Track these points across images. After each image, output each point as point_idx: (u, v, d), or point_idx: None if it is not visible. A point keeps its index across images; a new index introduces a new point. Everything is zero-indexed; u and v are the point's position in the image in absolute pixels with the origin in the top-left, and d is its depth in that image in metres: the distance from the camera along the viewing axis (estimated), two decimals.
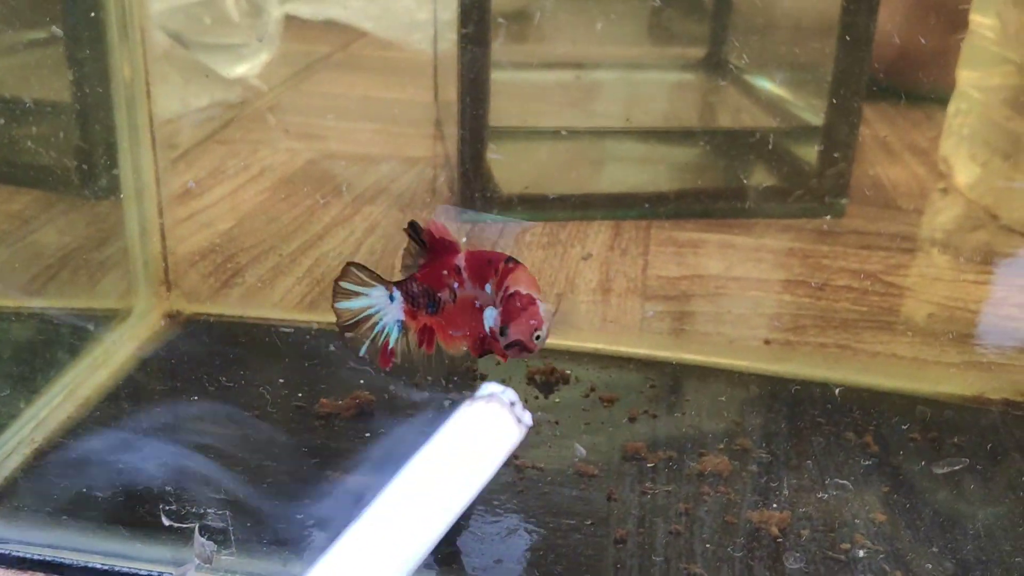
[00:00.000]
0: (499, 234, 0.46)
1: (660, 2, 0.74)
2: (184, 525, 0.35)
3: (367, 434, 0.46)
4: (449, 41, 0.74)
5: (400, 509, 0.23)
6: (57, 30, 0.44)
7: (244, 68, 0.80)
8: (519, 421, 0.24)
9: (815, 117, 0.68)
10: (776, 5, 0.70)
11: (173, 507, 0.38)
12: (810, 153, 0.68)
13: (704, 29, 0.78)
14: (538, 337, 0.34)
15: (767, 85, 0.71)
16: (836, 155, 0.66)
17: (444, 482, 0.23)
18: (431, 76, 0.82)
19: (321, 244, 0.62)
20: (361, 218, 0.66)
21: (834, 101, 0.66)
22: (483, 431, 0.23)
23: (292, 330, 0.53)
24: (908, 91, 0.63)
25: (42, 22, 0.46)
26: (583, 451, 0.43)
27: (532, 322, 0.34)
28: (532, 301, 0.34)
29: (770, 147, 0.68)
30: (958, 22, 0.61)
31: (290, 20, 0.84)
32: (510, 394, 0.24)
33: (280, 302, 0.56)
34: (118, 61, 0.47)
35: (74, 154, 0.49)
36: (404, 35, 0.85)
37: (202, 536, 0.35)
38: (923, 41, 0.55)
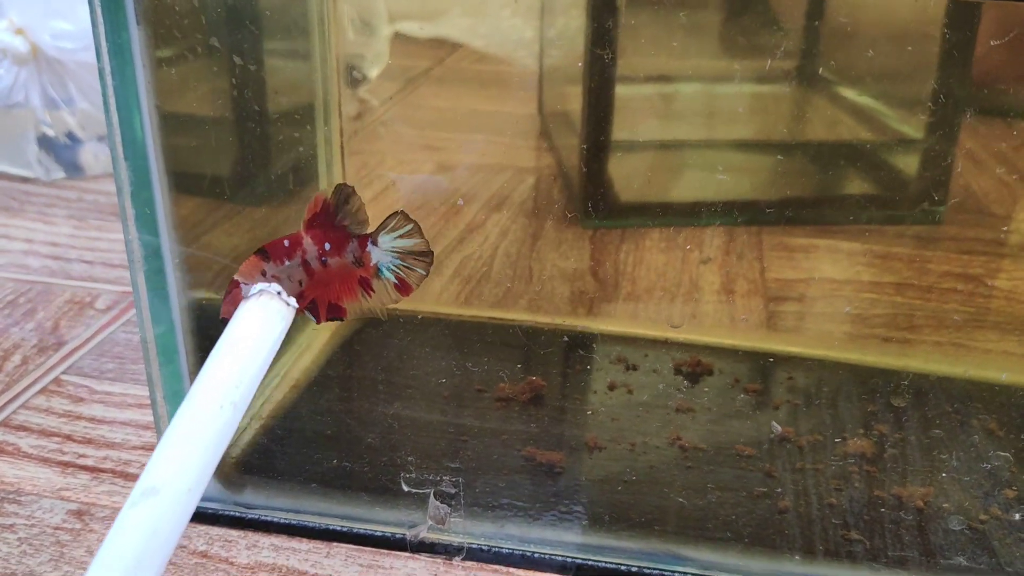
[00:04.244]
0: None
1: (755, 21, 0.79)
2: (420, 491, 0.40)
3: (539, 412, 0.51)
4: (552, 57, 0.79)
5: (220, 377, 0.29)
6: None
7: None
8: (288, 304, 0.31)
9: (915, 130, 0.72)
10: (877, 19, 0.75)
11: (378, 473, 0.43)
12: (909, 164, 0.72)
13: (801, 44, 0.82)
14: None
15: (867, 100, 0.75)
16: (934, 166, 0.71)
17: (249, 355, 0.29)
18: (532, 89, 0.87)
19: (462, 248, 0.68)
20: (492, 223, 0.71)
21: (933, 114, 0.70)
22: (266, 315, 0.30)
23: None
24: (994, 104, 0.67)
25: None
26: (778, 428, 0.48)
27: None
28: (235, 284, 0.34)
29: (870, 158, 0.72)
30: None
31: (398, 37, 0.89)
32: (275, 286, 0.31)
33: (440, 298, 0.62)
34: (322, 77, 0.53)
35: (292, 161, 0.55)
36: (511, 52, 0.91)
37: (436, 500, 0.40)
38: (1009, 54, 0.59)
